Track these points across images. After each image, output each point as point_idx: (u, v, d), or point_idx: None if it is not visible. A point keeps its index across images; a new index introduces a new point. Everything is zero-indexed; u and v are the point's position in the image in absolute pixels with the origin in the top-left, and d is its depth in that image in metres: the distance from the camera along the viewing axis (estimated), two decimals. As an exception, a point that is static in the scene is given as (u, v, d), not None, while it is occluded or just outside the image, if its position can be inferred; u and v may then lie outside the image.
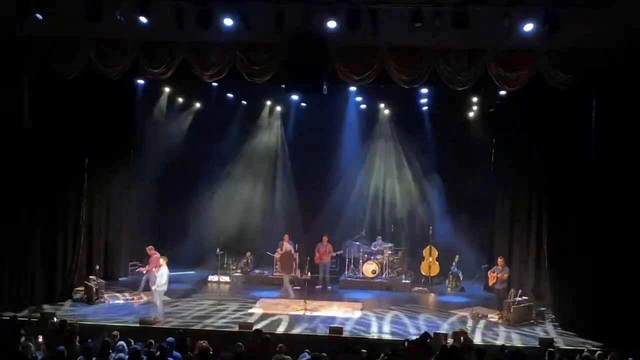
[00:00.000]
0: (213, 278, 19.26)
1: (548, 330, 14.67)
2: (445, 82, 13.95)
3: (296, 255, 19.18)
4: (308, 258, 19.50)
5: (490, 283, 16.20)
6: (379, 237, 19.95)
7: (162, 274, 14.71)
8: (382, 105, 20.35)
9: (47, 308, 14.90)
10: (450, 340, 12.13)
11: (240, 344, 10.79)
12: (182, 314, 15.32)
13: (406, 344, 11.64)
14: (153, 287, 14.92)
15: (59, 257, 16.33)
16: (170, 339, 10.55)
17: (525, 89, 14.14)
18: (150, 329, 13.37)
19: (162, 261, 14.91)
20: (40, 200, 15.58)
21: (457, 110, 19.35)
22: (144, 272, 16.53)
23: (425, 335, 11.62)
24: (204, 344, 10.74)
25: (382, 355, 10.65)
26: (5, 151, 14.61)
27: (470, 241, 19.03)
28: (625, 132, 13.43)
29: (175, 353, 10.15)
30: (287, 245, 19.06)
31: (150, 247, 16.71)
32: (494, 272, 16.03)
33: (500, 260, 16.12)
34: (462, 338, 11.75)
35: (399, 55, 13.88)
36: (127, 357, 9.63)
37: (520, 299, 15.27)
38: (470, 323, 15.02)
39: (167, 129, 20.00)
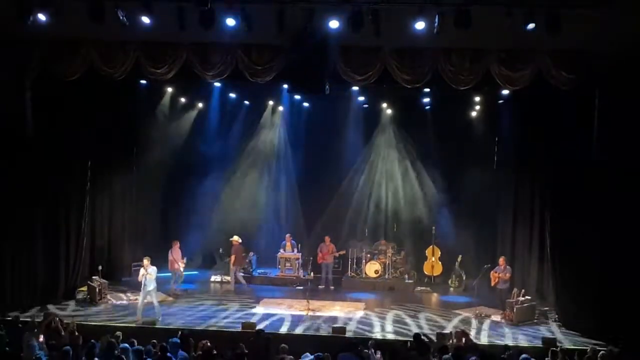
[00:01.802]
0: (216, 278, 19.27)
1: (551, 330, 14.66)
2: (447, 81, 13.95)
3: (299, 255, 19.28)
4: (311, 258, 19.51)
5: (493, 283, 16.20)
6: (382, 237, 19.94)
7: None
8: (384, 105, 20.35)
9: (49, 308, 14.89)
10: (453, 340, 12.12)
11: (242, 344, 10.79)
12: (185, 313, 15.32)
13: (409, 344, 11.64)
14: (150, 288, 14.77)
15: (62, 257, 16.36)
16: (175, 339, 10.55)
17: (527, 88, 14.14)
18: (153, 330, 13.38)
19: (146, 261, 14.84)
20: (42, 201, 15.60)
21: (460, 110, 19.33)
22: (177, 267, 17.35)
23: (417, 335, 11.53)
24: (206, 343, 10.76)
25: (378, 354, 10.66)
26: (8, 152, 14.62)
27: (473, 241, 19.03)
28: (627, 131, 13.40)
29: (181, 352, 10.15)
30: (288, 245, 19.27)
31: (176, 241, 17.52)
32: (496, 272, 16.02)
33: (501, 260, 16.12)
34: (463, 338, 11.74)
35: (401, 55, 13.89)
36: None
37: (523, 298, 15.26)
38: (473, 323, 15.01)
39: (170, 129, 20.02)
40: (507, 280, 15.90)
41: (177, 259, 17.40)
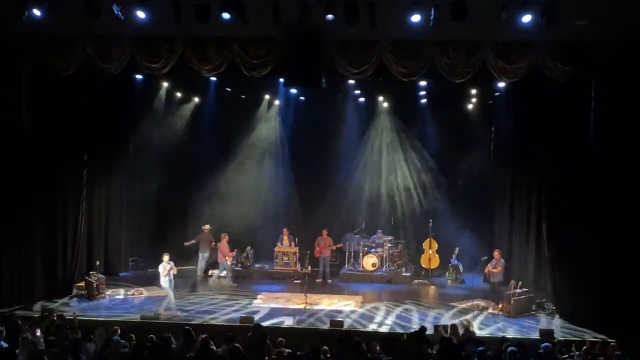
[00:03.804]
0: (213, 272, 19.27)
1: (548, 321, 14.69)
2: (444, 74, 13.95)
3: (296, 249, 19.31)
4: (308, 252, 19.53)
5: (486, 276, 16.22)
6: (379, 230, 19.97)
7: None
8: (381, 98, 20.34)
9: (47, 304, 14.88)
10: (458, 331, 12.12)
11: (240, 337, 10.80)
12: (183, 308, 15.31)
13: (405, 336, 11.66)
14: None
15: (59, 252, 16.33)
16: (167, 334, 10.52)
17: (524, 80, 14.14)
18: (151, 325, 13.38)
19: (167, 257, 14.94)
20: (39, 196, 15.57)
21: (456, 102, 19.36)
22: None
23: (422, 328, 11.62)
24: (204, 338, 10.77)
25: (377, 347, 10.68)
26: (5, 148, 14.59)
27: (470, 233, 19.05)
28: (624, 122, 13.42)
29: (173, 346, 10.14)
30: (285, 239, 19.30)
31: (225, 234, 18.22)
32: (491, 266, 16.05)
33: (496, 254, 16.16)
34: (460, 331, 11.76)
35: (397, 48, 13.89)
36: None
37: (520, 290, 15.30)
38: (470, 315, 15.02)
39: (166, 124, 19.99)
40: (499, 274, 15.92)
41: (225, 253, 18.03)
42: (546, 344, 10.72)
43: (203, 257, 19.10)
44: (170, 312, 14.55)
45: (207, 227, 19.07)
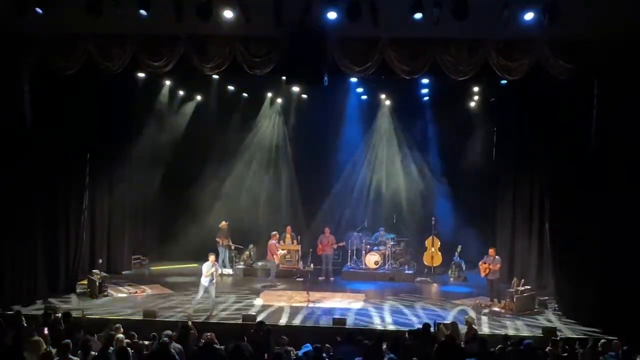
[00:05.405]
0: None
1: (551, 319, 14.68)
2: (446, 72, 13.93)
3: (299, 247, 19.32)
4: (310, 250, 19.54)
5: (483, 274, 16.17)
6: (381, 228, 19.97)
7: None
8: (383, 96, 20.33)
9: (50, 302, 14.88)
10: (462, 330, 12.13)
11: (245, 336, 10.82)
12: (186, 306, 15.32)
13: (407, 334, 11.66)
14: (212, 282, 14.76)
15: (62, 251, 16.35)
16: (168, 331, 10.52)
17: (526, 78, 14.12)
18: (154, 322, 13.39)
19: (213, 257, 14.94)
20: (42, 195, 15.57)
21: (459, 100, 19.34)
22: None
23: (426, 325, 11.64)
24: (209, 336, 10.79)
25: (384, 345, 10.68)
26: (8, 146, 14.58)
27: (472, 231, 19.05)
28: (626, 120, 13.41)
29: (175, 344, 10.15)
30: (288, 237, 19.30)
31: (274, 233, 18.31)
32: (485, 263, 16.01)
33: (491, 251, 16.14)
34: (462, 329, 11.75)
35: (399, 46, 13.86)
36: None
37: (523, 288, 15.28)
38: (473, 313, 15.03)
39: (168, 122, 20.00)
40: (497, 271, 15.92)
41: (273, 252, 17.88)
42: (528, 340, 10.75)
43: (222, 254, 19.16)
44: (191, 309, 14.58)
45: (223, 223, 19.14)
